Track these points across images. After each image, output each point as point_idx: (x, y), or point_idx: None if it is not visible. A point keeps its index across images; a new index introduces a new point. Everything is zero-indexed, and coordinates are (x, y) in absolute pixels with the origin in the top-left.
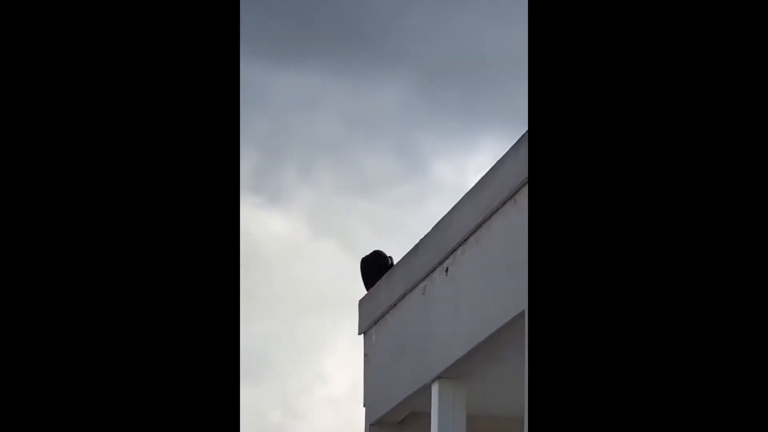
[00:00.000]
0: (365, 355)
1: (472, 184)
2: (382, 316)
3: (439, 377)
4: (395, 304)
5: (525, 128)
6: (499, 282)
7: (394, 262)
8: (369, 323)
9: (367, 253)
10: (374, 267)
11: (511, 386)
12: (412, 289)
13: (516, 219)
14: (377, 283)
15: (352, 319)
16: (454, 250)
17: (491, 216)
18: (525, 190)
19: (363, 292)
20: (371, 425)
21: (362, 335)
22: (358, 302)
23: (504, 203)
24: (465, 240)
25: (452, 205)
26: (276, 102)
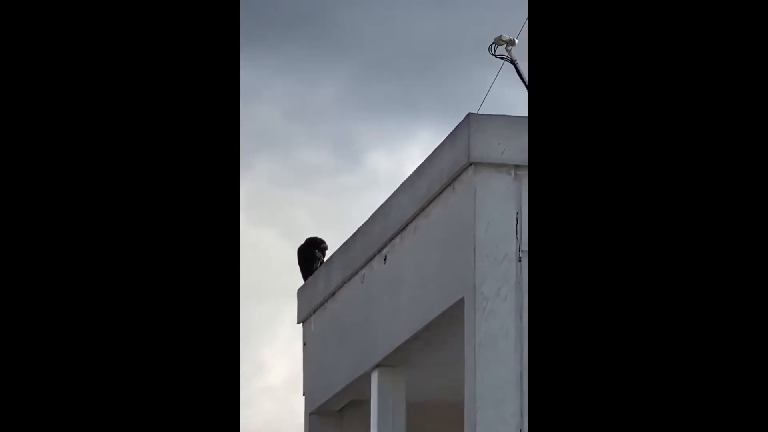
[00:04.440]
0: (304, 344)
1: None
2: (321, 304)
3: (378, 365)
4: (334, 293)
5: (460, 118)
6: (437, 269)
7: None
8: (308, 312)
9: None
10: (310, 253)
11: (449, 373)
12: (350, 278)
13: (454, 206)
14: (316, 272)
15: (291, 309)
16: (392, 237)
17: (429, 204)
18: (463, 177)
19: (302, 281)
20: (311, 414)
21: (301, 324)
22: (297, 291)
23: (442, 190)
24: (403, 228)
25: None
26: None
